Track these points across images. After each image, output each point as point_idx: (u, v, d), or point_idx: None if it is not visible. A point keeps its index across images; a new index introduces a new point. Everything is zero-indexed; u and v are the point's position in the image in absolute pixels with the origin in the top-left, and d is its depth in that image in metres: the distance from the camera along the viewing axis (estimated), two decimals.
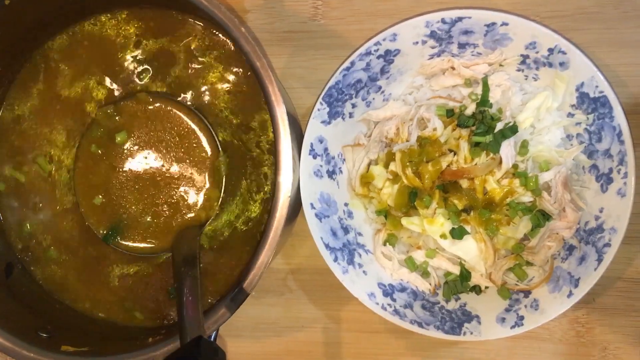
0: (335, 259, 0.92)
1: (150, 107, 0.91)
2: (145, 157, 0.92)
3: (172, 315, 0.92)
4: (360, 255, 0.94)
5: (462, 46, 0.91)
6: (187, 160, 0.91)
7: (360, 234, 0.96)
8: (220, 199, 0.91)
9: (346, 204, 0.96)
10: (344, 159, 0.96)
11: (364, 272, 0.93)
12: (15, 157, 0.94)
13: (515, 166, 0.88)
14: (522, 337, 0.94)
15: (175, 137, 0.91)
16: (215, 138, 0.91)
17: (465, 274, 0.92)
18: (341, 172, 0.95)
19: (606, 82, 0.85)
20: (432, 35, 0.89)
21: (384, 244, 0.95)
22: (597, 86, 0.86)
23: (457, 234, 0.90)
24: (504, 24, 0.87)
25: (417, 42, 0.90)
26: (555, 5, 0.93)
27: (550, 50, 0.87)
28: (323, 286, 1.00)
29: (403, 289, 0.94)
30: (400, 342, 0.99)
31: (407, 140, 0.92)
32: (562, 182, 0.88)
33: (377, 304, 0.92)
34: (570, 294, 0.87)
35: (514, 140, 0.88)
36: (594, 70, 0.86)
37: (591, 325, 0.96)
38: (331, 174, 0.94)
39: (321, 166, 0.93)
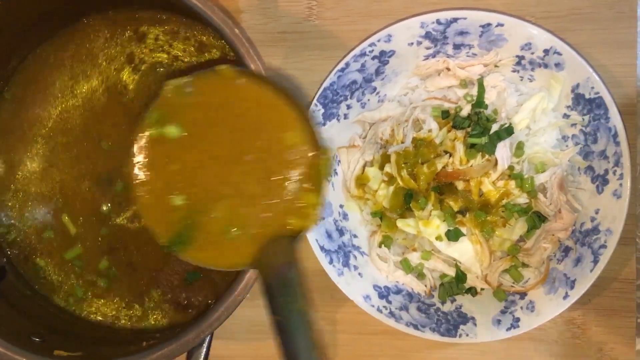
0: (331, 261, 0.91)
1: (237, 85, 0.70)
2: (221, 148, 0.70)
3: (161, 317, 0.92)
4: (355, 257, 0.94)
5: (457, 47, 0.90)
6: (281, 156, 0.69)
7: (355, 236, 0.95)
8: (321, 205, 0.70)
9: (341, 206, 0.95)
10: (339, 161, 0.95)
11: (359, 274, 0.93)
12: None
13: (511, 168, 0.88)
14: (517, 339, 0.93)
15: (267, 127, 0.70)
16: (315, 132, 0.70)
17: (460, 276, 0.92)
18: (336, 173, 0.95)
19: (602, 83, 0.85)
20: (427, 36, 0.89)
21: (380, 246, 0.94)
22: (592, 87, 0.86)
23: (453, 235, 0.90)
24: (499, 24, 0.87)
25: (412, 43, 0.90)
26: (550, 6, 0.93)
27: (546, 51, 0.87)
28: (318, 288, 0.99)
29: (398, 291, 0.94)
30: (395, 344, 0.98)
31: (403, 142, 0.91)
32: (558, 184, 0.88)
33: (373, 306, 0.91)
34: (566, 296, 0.87)
35: (509, 141, 0.88)
36: (589, 71, 0.86)
37: (587, 326, 0.96)
38: None
39: None
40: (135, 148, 0.70)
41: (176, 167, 0.69)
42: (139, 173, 0.69)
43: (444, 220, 0.89)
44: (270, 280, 0.65)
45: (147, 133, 0.69)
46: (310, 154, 0.68)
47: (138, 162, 0.69)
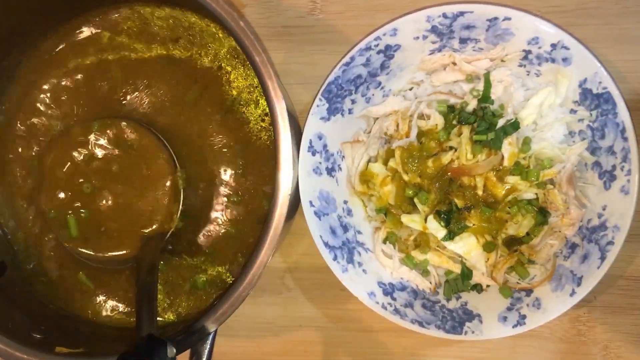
0: (335, 258, 0.90)
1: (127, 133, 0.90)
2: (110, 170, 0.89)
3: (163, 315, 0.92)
4: (359, 254, 0.93)
5: (463, 41, 0.89)
6: (149, 175, 0.89)
7: (359, 232, 0.94)
8: (180, 211, 0.90)
9: (345, 202, 0.94)
10: (343, 156, 0.94)
11: (363, 270, 0.92)
12: None
13: (517, 163, 0.87)
14: (522, 336, 0.92)
15: (135, 154, 0.89)
16: (172, 154, 0.90)
17: (466, 273, 0.91)
18: (340, 169, 0.94)
19: (610, 78, 0.85)
20: (433, 30, 0.88)
21: (384, 242, 0.93)
22: (600, 82, 0.85)
23: (458, 232, 0.89)
24: (507, 18, 0.86)
25: (417, 37, 0.89)
26: (556, 1, 0.92)
27: (553, 46, 0.86)
28: (321, 285, 0.98)
29: (403, 288, 0.93)
30: (400, 341, 0.97)
31: (407, 137, 0.91)
32: (567, 179, 0.87)
33: (377, 303, 0.90)
34: (573, 293, 0.87)
35: (516, 136, 0.87)
36: (597, 66, 0.85)
37: (592, 323, 0.95)
38: (330, 171, 0.93)
39: (320, 163, 0.91)
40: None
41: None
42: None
43: (449, 216, 0.88)
44: (142, 265, 0.85)
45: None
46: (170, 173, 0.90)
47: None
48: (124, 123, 0.89)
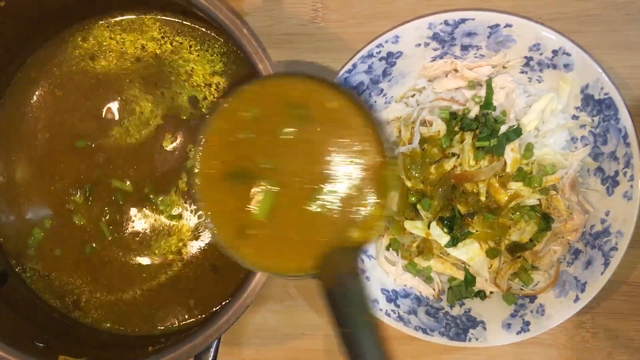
0: None
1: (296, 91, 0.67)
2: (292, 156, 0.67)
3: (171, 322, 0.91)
4: (362, 261, 0.93)
5: (465, 48, 0.90)
6: (348, 164, 0.66)
7: None
8: (387, 218, 0.66)
9: None
10: None
11: (366, 277, 0.92)
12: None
13: (520, 169, 0.87)
14: (526, 343, 0.92)
15: (332, 131, 0.66)
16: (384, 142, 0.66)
17: (469, 279, 0.91)
18: None
19: (611, 84, 0.85)
20: (435, 37, 0.88)
21: (387, 249, 0.93)
22: (602, 88, 0.85)
23: (461, 238, 0.89)
24: (508, 25, 0.86)
25: (419, 44, 0.89)
26: (558, 8, 0.93)
27: (555, 52, 0.86)
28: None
29: (407, 295, 0.93)
30: (403, 348, 0.97)
31: (410, 143, 0.91)
32: (570, 184, 0.87)
33: (381, 310, 0.90)
34: (576, 299, 0.86)
35: (518, 143, 0.87)
36: (599, 72, 0.85)
37: (596, 330, 0.95)
38: None
39: None
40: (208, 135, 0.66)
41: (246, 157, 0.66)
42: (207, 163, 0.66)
43: (452, 223, 0.88)
44: (332, 290, 0.63)
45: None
46: (377, 165, 0.65)
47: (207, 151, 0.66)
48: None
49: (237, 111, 0.66)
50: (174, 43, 0.92)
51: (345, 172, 0.65)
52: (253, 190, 0.65)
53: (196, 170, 0.66)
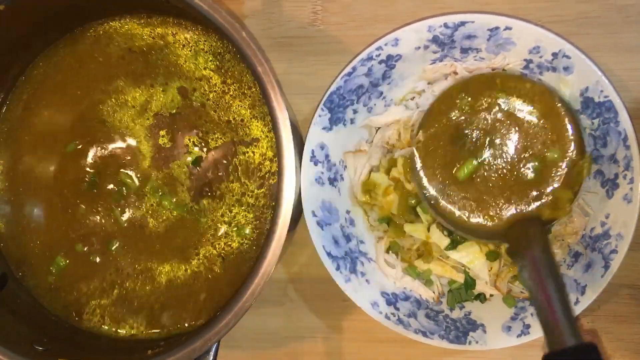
0: (338, 268, 0.90)
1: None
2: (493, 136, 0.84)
3: (169, 326, 0.91)
4: (362, 264, 0.93)
5: (464, 51, 0.90)
6: (541, 150, 0.83)
7: (362, 242, 0.94)
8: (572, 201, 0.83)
9: (348, 212, 0.94)
10: (346, 166, 0.94)
11: (366, 280, 0.92)
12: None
13: None
14: (526, 346, 0.92)
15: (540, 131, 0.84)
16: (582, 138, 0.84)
17: (469, 282, 0.91)
18: (342, 179, 0.94)
19: (611, 87, 0.85)
20: (435, 40, 0.88)
21: (387, 252, 0.93)
22: (602, 91, 0.85)
23: (461, 241, 0.89)
24: (507, 28, 0.86)
25: (419, 47, 0.89)
26: (557, 10, 0.93)
27: (555, 55, 0.86)
28: (324, 295, 0.98)
29: (407, 298, 0.93)
30: (403, 351, 0.97)
31: (409, 146, 0.91)
32: None
33: (381, 313, 0.90)
34: (577, 302, 0.86)
35: None
36: (598, 74, 0.85)
37: (596, 333, 0.95)
38: (332, 181, 0.93)
39: (322, 173, 0.91)
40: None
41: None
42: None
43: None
44: (521, 254, 0.77)
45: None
46: (574, 158, 0.83)
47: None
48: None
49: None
50: (169, 40, 0.91)
51: (542, 157, 0.83)
52: (460, 154, 0.85)
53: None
